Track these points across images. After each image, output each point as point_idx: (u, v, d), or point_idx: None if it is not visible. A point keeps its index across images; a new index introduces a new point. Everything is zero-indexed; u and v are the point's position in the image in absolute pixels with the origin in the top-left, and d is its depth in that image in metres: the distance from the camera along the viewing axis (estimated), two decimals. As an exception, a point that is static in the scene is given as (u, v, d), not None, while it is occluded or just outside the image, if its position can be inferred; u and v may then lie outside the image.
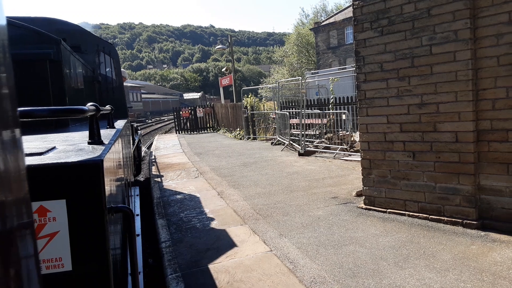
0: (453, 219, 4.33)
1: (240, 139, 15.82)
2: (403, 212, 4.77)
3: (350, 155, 9.26)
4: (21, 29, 3.66)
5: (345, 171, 7.65)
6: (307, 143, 10.82)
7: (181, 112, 22.11)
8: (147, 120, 45.80)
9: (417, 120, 4.52)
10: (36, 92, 3.58)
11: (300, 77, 13.50)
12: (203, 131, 21.76)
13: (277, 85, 13.49)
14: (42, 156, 1.64)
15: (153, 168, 9.81)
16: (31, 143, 2.17)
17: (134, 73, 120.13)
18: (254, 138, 15.24)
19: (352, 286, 3.16)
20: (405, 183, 4.73)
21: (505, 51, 3.87)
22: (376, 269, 3.42)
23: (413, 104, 4.53)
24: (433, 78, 4.32)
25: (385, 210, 4.95)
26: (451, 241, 3.91)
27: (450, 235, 4.07)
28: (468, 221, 4.21)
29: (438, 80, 4.29)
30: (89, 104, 1.99)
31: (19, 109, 1.58)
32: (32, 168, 1.45)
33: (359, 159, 5.38)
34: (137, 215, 4.74)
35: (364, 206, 5.19)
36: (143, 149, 14.73)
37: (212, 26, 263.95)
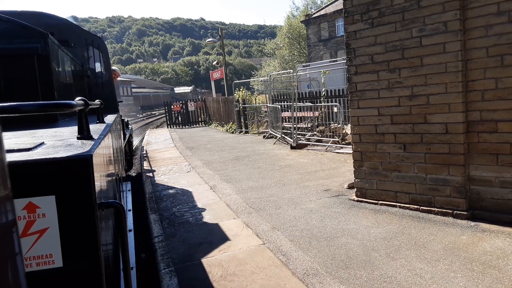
0: (444, 210, 4.37)
1: (232, 133, 15.79)
2: (395, 203, 4.81)
3: (341, 147, 9.30)
4: (8, 23, 3.59)
5: (337, 164, 7.68)
6: (299, 136, 10.84)
7: (172, 106, 22.01)
8: (138, 115, 45.50)
9: (407, 112, 4.55)
10: (24, 87, 3.53)
11: (291, 70, 13.49)
12: (194, 125, 21.69)
13: (268, 78, 13.47)
14: (31, 151, 1.61)
15: (145, 163, 9.77)
16: (19, 138, 2.14)
17: (124, 67, 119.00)
18: (246, 132, 15.23)
19: (345, 277, 3.19)
20: (396, 175, 4.76)
21: (494, 42, 3.90)
22: (368, 260, 3.45)
23: (404, 96, 4.55)
24: (423, 69, 4.34)
25: (376, 201, 4.98)
26: (441, 231, 3.96)
27: (441, 225, 4.12)
28: (458, 212, 4.26)
29: (428, 72, 4.31)
30: (77, 98, 1.96)
31: (6, 104, 1.55)
32: (20, 164, 1.42)
33: (351, 151, 5.40)
34: (129, 210, 4.72)
35: (356, 198, 5.22)
36: (134, 143, 14.65)
37: (202, 19, 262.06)
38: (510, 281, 2.92)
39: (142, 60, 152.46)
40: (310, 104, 11.89)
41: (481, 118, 4.08)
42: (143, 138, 17.04)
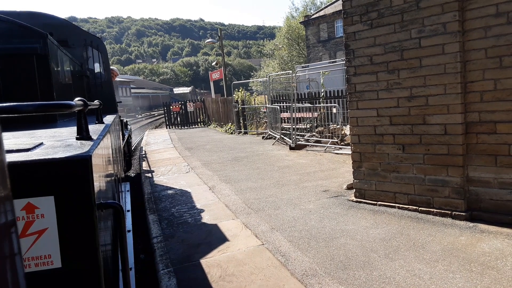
0: (442, 211, 4.38)
1: (231, 133, 15.79)
2: (393, 204, 4.81)
3: (340, 148, 9.30)
4: (7, 23, 3.59)
5: (335, 165, 7.68)
6: (298, 137, 10.84)
7: (171, 107, 22.01)
8: (137, 115, 45.48)
9: (406, 113, 4.55)
10: (23, 87, 3.52)
11: (290, 71, 13.50)
12: (193, 126, 21.69)
13: (267, 79, 13.47)
14: (29, 152, 1.61)
15: (144, 164, 9.76)
16: (18, 139, 2.14)
17: (123, 67, 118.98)
18: (245, 133, 15.23)
19: (343, 278, 3.19)
20: (395, 176, 4.76)
21: (493, 44, 3.90)
22: (366, 261, 3.45)
23: (403, 97, 4.55)
24: (422, 71, 4.35)
25: (375, 202, 4.99)
26: (440, 232, 3.96)
27: (439, 226, 4.12)
28: (457, 213, 4.27)
29: (427, 73, 4.32)
30: (76, 99, 1.96)
31: (5, 104, 1.55)
32: (19, 165, 1.42)
33: (350, 152, 5.40)
34: (128, 211, 4.71)
35: (354, 199, 5.23)
36: (133, 144, 14.64)
37: (201, 20, 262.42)
38: (509, 281, 2.92)
39: (141, 61, 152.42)
40: (309, 105, 11.90)
41: (480, 119, 4.09)
42: (142, 139, 17.03)
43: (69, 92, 4.67)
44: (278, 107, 11.93)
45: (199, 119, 22.21)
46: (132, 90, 63.78)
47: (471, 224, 4.09)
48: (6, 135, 2.42)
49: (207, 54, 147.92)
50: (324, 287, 3.07)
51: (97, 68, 6.57)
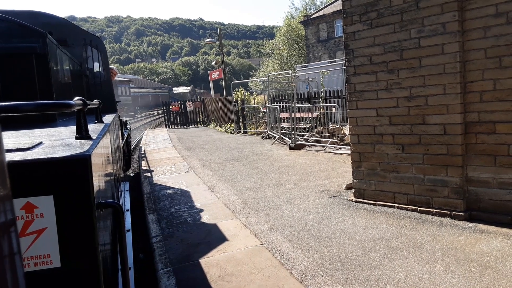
0: (442, 211, 4.38)
1: (231, 133, 15.79)
2: (393, 204, 4.81)
3: (340, 148, 9.31)
4: (6, 22, 3.58)
5: (335, 164, 7.69)
6: (298, 136, 10.84)
7: (170, 107, 22.00)
8: (136, 115, 45.47)
9: (406, 113, 4.55)
10: (22, 86, 3.52)
11: (290, 71, 13.50)
12: (193, 126, 21.68)
13: (267, 78, 13.47)
14: (29, 151, 1.61)
15: (143, 163, 9.75)
16: (17, 138, 2.13)
17: (122, 67, 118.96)
18: (245, 132, 15.23)
19: (343, 278, 3.19)
20: (395, 176, 4.77)
21: (492, 44, 3.90)
22: (366, 261, 3.45)
23: (402, 97, 4.55)
24: (422, 70, 4.35)
25: (374, 202, 4.99)
26: (439, 232, 3.97)
27: (439, 226, 4.12)
28: (456, 213, 4.27)
29: (426, 73, 4.32)
30: (76, 98, 1.96)
31: (4, 103, 1.55)
32: (18, 164, 1.42)
33: (349, 152, 5.41)
34: (127, 210, 4.71)
35: (354, 199, 5.23)
36: (133, 143, 14.63)
37: (201, 19, 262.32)
38: (508, 282, 2.93)
39: (140, 60, 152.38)
40: (309, 104, 11.90)
41: (479, 119, 4.09)
42: (141, 138, 17.03)
43: (69, 92, 4.67)
44: (278, 107, 11.92)
45: (198, 119, 22.21)
46: (132, 90, 63.77)
47: (470, 224, 4.09)
48: (5, 135, 2.41)
49: (207, 54, 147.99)
50: (324, 287, 3.08)
51: (96, 67, 6.56)
